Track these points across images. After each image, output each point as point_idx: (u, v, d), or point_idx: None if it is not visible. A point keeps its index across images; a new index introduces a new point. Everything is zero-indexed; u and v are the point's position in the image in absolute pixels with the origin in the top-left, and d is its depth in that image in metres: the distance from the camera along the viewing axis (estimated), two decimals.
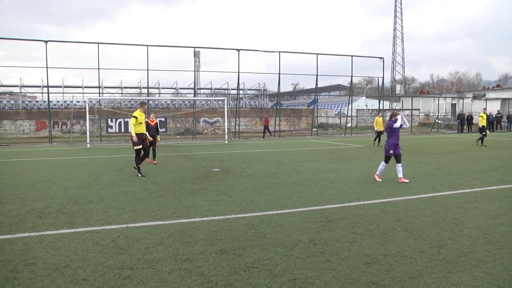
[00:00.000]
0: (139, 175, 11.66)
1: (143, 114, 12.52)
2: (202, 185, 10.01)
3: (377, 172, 10.56)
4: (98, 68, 30.40)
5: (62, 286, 4.17)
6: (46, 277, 4.41)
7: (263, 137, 33.34)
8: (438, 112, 47.34)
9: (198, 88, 52.53)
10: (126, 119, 34.88)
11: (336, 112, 56.93)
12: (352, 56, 37.03)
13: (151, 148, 14.62)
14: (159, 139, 15.55)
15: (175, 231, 6.00)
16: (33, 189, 9.75)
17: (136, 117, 12.16)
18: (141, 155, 12.36)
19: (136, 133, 12.15)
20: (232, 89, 58.43)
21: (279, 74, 34.79)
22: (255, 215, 6.94)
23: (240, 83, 36.58)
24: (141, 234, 5.89)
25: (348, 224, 6.31)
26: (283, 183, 10.09)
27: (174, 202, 8.08)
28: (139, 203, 8.02)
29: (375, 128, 22.71)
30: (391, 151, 10.20)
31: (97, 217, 6.91)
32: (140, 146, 12.25)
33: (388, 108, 56.67)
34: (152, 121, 15.10)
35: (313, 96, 54.64)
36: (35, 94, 56.79)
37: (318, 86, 38.35)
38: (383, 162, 10.49)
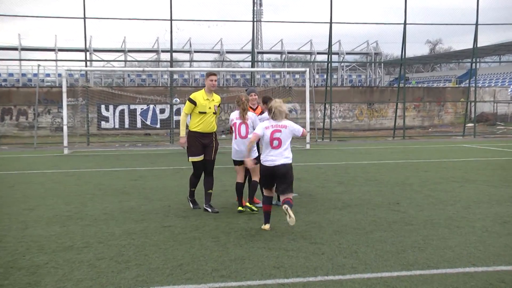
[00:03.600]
0: (192, 207, 11.73)
1: (212, 97, 11.57)
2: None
3: None
4: (84, 18, 31.29)
5: None
6: None
7: None
8: None
9: (258, 52, 52.84)
10: (133, 106, 35.59)
11: None
12: None
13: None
14: None
15: None
16: None
17: (193, 102, 11.28)
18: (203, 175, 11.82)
19: (191, 131, 11.50)
20: (318, 53, 58.40)
21: (405, 24, 34.46)
22: (359, 277, 6.85)
23: (333, 42, 36.51)
24: None
25: None
26: (410, 222, 10.00)
27: (216, 250, 8.16)
28: (156, 251, 8.16)
29: None
30: None
31: (80, 276, 7.05)
32: (201, 158, 11.50)
33: None
34: (255, 108, 12.50)
35: (468, 65, 53.57)
36: None
37: (478, 45, 37.52)
38: None
